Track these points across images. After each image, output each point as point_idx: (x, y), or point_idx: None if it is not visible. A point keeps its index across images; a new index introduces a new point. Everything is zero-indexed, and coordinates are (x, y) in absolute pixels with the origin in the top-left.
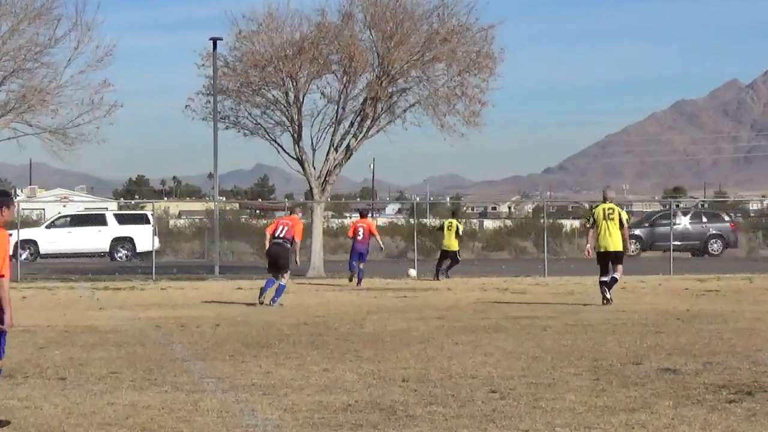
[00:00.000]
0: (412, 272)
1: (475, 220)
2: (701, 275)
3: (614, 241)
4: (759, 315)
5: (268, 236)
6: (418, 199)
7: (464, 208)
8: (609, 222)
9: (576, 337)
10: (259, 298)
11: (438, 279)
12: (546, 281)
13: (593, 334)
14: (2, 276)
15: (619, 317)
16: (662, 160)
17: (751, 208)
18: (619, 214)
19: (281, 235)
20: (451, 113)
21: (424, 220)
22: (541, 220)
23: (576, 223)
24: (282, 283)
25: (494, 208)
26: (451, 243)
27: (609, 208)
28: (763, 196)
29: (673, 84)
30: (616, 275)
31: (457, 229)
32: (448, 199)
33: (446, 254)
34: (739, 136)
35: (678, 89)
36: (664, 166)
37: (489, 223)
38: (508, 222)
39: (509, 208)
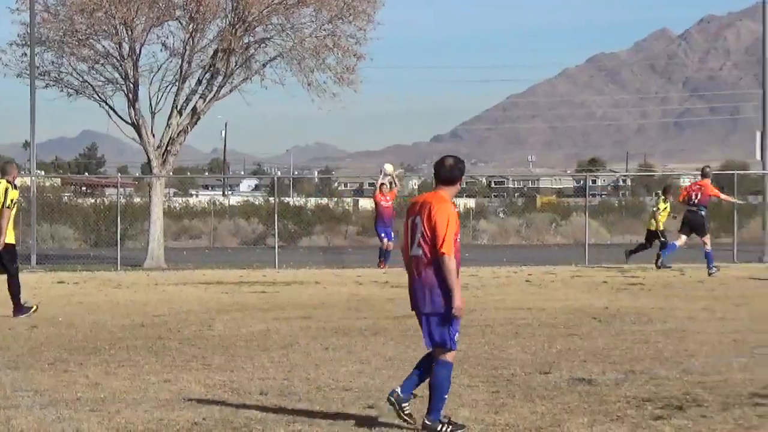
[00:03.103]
0: (389, 167)
1: (348, 199)
2: (623, 265)
3: None
4: (691, 313)
5: None
6: (279, 173)
7: (335, 184)
8: None
9: (471, 341)
10: None
11: None
12: None
13: (492, 338)
14: None
15: (524, 317)
16: (576, 126)
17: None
18: None
19: None
20: (321, 69)
21: (287, 198)
22: None
23: (472, 203)
24: None
25: (372, 185)
26: None
27: None
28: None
29: (589, 34)
30: None
31: None
32: (315, 173)
33: None
34: (669, 97)
35: (595, 40)
36: (579, 134)
37: (366, 203)
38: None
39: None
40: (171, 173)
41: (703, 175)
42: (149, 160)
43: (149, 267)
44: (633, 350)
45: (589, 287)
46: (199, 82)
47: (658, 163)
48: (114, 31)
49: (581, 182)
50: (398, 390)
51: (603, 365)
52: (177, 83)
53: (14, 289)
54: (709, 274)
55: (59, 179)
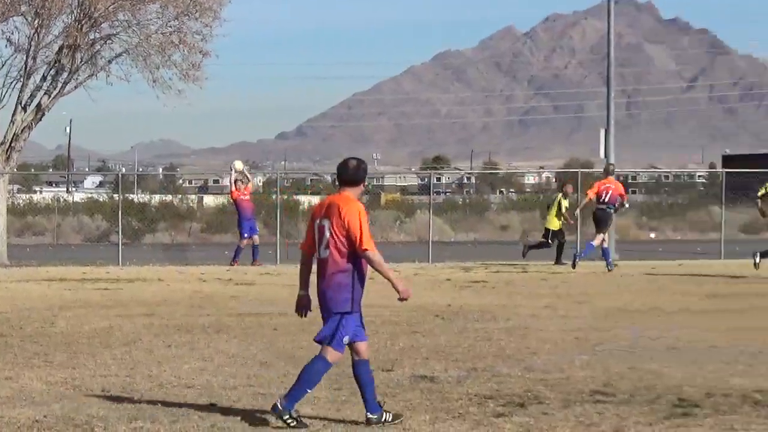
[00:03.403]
0: (238, 164)
1: (193, 196)
2: (466, 263)
3: None
4: (534, 311)
5: None
6: (124, 169)
7: (180, 181)
8: None
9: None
10: None
11: None
12: (278, 270)
13: None
14: None
15: (366, 314)
16: (421, 124)
17: (526, 181)
18: None
19: None
20: (166, 65)
21: (131, 195)
22: (273, 196)
23: (315, 200)
24: None
25: (216, 181)
26: None
27: None
28: (541, 168)
29: (434, 31)
30: None
31: None
32: (160, 170)
33: None
34: (514, 95)
35: (441, 38)
36: (424, 131)
37: (210, 200)
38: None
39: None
40: (15, 170)
41: (607, 173)
42: None
43: None
44: (476, 348)
45: (432, 285)
46: (44, 78)
47: (502, 161)
48: None
49: (426, 180)
50: (368, 414)
51: (445, 363)
52: (21, 79)
53: None
54: (609, 270)
55: None
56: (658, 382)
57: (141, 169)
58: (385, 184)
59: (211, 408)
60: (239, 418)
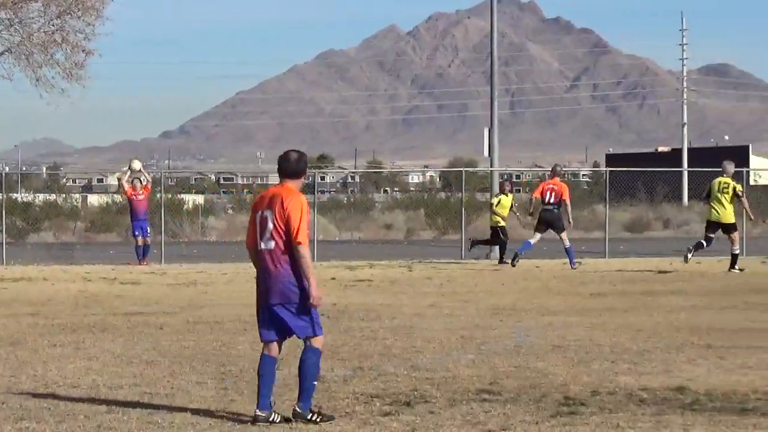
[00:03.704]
0: (136, 164)
1: (77, 195)
2: (351, 261)
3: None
4: (419, 310)
5: None
6: (7, 169)
7: (64, 180)
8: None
9: (200, 338)
10: None
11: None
12: (163, 269)
13: (220, 334)
14: None
15: (252, 313)
16: (305, 123)
17: (410, 180)
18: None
19: None
20: (49, 64)
21: (15, 194)
22: (158, 195)
23: (201, 199)
24: None
25: (101, 180)
26: None
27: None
28: (425, 167)
29: (317, 30)
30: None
31: None
32: (44, 168)
33: None
34: (398, 94)
35: (324, 37)
36: (307, 130)
37: (94, 199)
38: (118, 197)
39: (119, 180)
40: None
41: (554, 174)
42: None
43: None
44: (361, 346)
45: (317, 284)
46: None
47: (386, 160)
48: None
49: (310, 179)
50: (257, 410)
51: (332, 362)
52: None
53: None
54: (572, 268)
55: None
56: (544, 381)
57: (24, 168)
58: (270, 183)
59: (98, 407)
60: (125, 417)
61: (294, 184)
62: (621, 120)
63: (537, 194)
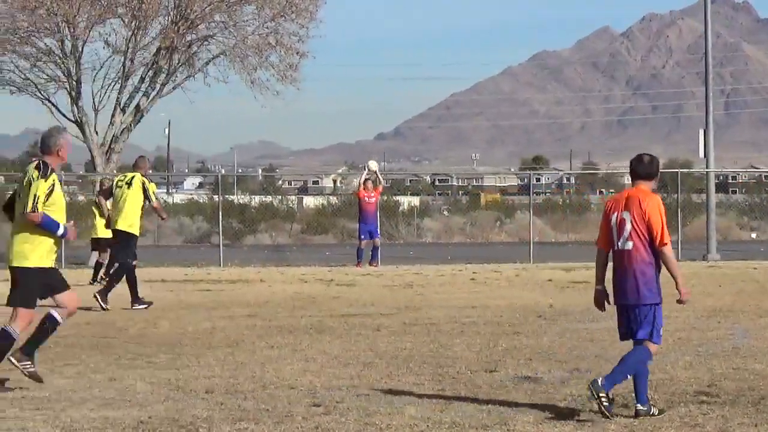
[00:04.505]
0: (373, 164)
1: (293, 197)
2: (568, 263)
3: None
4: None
5: None
6: (223, 171)
7: (279, 182)
8: None
9: (416, 339)
10: None
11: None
12: (380, 271)
13: (437, 336)
14: None
15: (469, 315)
16: (519, 124)
17: (626, 181)
18: None
19: None
20: (264, 67)
21: (231, 196)
22: None
23: (416, 201)
24: None
25: (316, 182)
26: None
27: None
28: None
29: (532, 32)
30: None
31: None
32: (260, 171)
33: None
34: (612, 95)
35: (538, 38)
36: (522, 132)
37: (310, 201)
38: (333, 199)
39: (334, 182)
40: (115, 171)
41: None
42: (92, 158)
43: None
44: (578, 348)
45: (534, 285)
46: (142, 79)
47: (602, 161)
48: (56, 29)
49: (525, 180)
50: (599, 380)
51: (549, 363)
52: (120, 81)
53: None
54: None
55: (2, 177)
56: (763, 384)
57: (240, 170)
58: (485, 184)
59: (315, 409)
60: (343, 419)
61: (647, 186)
62: None
63: None
